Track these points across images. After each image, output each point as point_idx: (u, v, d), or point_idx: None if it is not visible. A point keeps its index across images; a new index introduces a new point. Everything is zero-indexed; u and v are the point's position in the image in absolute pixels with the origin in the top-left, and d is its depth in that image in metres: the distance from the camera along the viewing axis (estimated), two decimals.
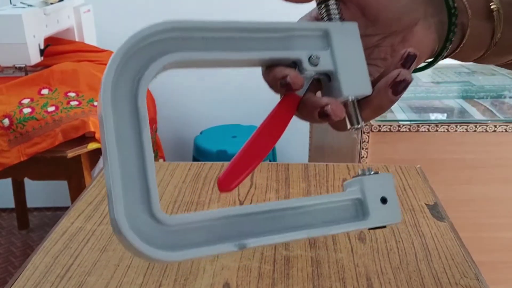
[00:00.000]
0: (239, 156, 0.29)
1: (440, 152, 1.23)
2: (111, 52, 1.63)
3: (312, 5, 0.34)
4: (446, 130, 1.20)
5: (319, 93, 0.34)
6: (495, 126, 1.19)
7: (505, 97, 1.36)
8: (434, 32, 0.34)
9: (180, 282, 0.50)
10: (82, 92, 1.36)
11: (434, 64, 0.37)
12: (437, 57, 0.36)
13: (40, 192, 2.13)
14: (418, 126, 1.18)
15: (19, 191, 1.96)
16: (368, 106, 0.32)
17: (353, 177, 0.31)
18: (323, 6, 0.32)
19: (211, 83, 2.07)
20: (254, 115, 2.07)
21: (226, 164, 0.77)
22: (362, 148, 1.14)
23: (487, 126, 1.18)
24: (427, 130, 1.20)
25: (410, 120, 1.19)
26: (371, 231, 0.58)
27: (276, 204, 0.28)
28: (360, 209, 0.30)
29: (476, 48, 0.36)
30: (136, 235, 0.24)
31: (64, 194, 1.50)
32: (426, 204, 0.65)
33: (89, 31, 1.72)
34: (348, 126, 0.32)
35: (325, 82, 0.32)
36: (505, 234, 1.34)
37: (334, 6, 0.32)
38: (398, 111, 1.25)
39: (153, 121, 1.60)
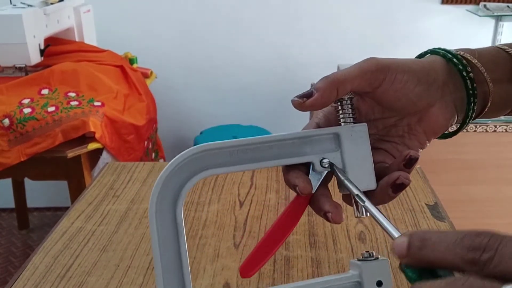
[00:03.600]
0: (257, 248, 0.34)
1: (441, 152, 1.23)
2: (111, 52, 1.63)
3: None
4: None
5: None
6: (495, 126, 1.19)
7: None
8: (451, 110, 0.36)
9: None
10: (82, 92, 1.36)
11: (457, 134, 0.39)
12: (460, 128, 0.38)
13: (40, 192, 2.13)
14: None
15: (19, 191, 1.96)
16: (372, 199, 0.35)
17: (358, 259, 0.35)
18: (338, 104, 0.36)
19: (211, 83, 2.07)
20: (254, 115, 2.07)
21: None
22: None
23: (487, 126, 1.18)
24: None
25: None
26: (372, 230, 0.58)
27: (299, 285, 0.34)
28: None
29: (501, 108, 0.38)
30: None
31: (64, 194, 1.50)
32: (426, 204, 0.65)
33: (89, 31, 1.72)
34: (355, 214, 0.36)
35: (336, 175, 0.36)
36: None
37: (349, 105, 0.36)
38: None
39: (153, 121, 1.60)
